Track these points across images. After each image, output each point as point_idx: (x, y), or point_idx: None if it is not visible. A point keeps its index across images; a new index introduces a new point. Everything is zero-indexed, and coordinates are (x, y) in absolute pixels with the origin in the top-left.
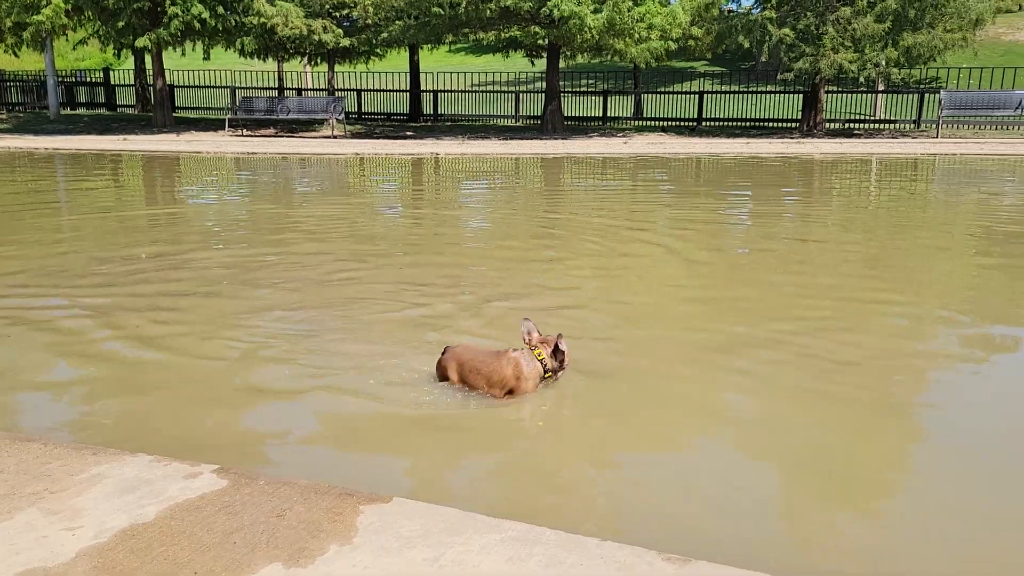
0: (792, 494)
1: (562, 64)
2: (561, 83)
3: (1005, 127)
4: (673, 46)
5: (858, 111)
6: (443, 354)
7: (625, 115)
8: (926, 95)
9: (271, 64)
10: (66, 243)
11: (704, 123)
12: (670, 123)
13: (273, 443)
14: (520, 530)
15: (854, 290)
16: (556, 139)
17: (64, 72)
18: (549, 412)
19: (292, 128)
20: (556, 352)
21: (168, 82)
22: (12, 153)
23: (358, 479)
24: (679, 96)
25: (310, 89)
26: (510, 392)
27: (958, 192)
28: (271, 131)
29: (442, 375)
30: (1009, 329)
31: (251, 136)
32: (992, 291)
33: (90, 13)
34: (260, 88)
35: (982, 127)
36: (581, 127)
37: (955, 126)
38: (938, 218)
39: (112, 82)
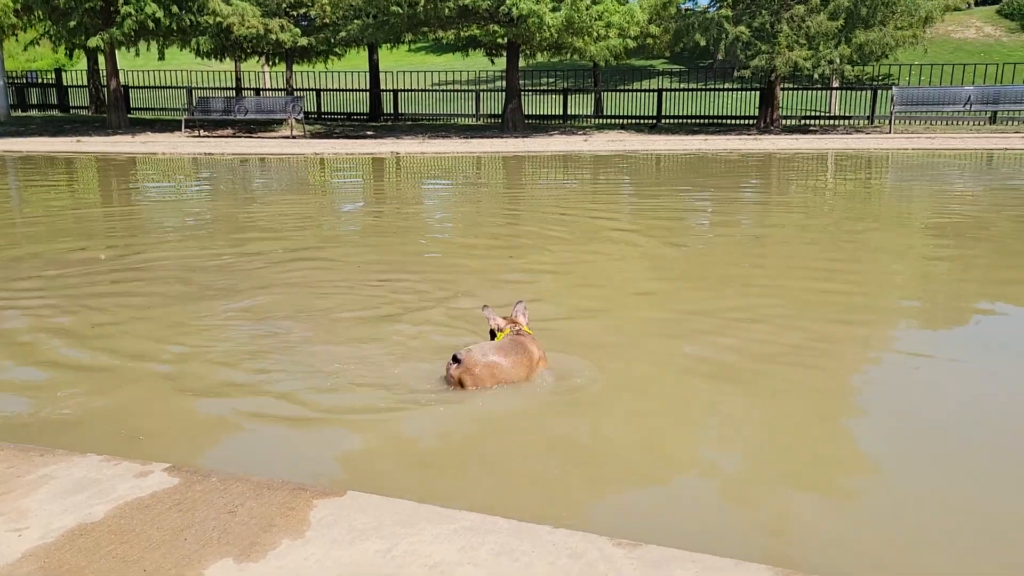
0: (748, 478)
1: (522, 63)
2: (521, 82)
3: (955, 122)
4: (632, 44)
5: (814, 107)
6: (458, 363)
7: (585, 113)
8: (879, 91)
9: (228, 64)
10: (18, 245)
11: (663, 120)
12: (630, 121)
13: (226, 441)
14: (473, 520)
15: (805, 280)
16: (517, 137)
17: (15, 73)
18: (506, 402)
19: (250, 128)
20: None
21: (122, 83)
22: None
23: (313, 474)
24: (638, 94)
25: (268, 89)
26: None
27: (911, 186)
28: (229, 132)
29: (472, 382)
30: (954, 316)
31: (208, 137)
32: (941, 281)
33: (40, 13)
34: (217, 88)
35: (933, 122)
36: (542, 125)
37: (907, 121)
38: (892, 211)
39: (65, 83)
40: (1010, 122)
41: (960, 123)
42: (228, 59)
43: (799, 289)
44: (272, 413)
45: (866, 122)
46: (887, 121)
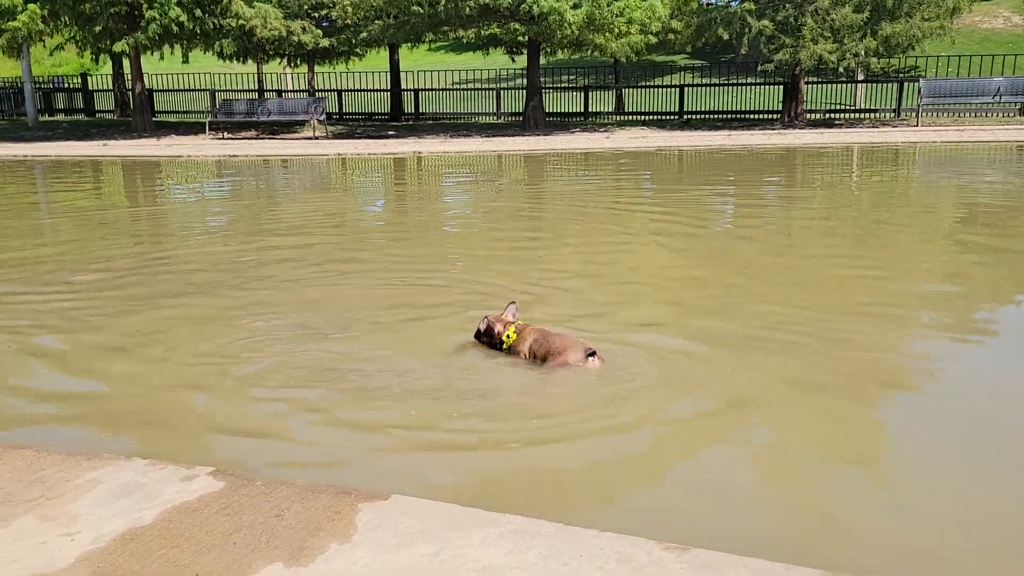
0: (791, 481)
1: (542, 60)
2: (542, 79)
3: (984, 114)
4: (653, 40)
5: (838, 101)
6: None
7: (607, 110)
8: (905, 84)
9: (250, 66)
10: (53, 246)
11: (685, 116)
12: (652, 117)
13: (268, 444)
14: (519, 523)
15: (837, 269)
16: (538, 135)
17: (41, 78)
18: (545, 405)
19: (273, 130)
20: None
21: (147, 86)
22: None
23: (355, 478)
24: (660, 90)
25: (290, 90)
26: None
27: (941, 179)
28: (252, 133)
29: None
30: (991, 312)
31: (232, 139)
32: (974, 274)
33: (67, 18)
34: (240, 90)
35: (961, 115)
36: (563, 123)
37: (935, 114)
38: (921, 205)
39: (90, 87)
40: None
41: (989, 115)
42: (251, 61)
43: (833, 276)
44: (313, 415)
45: (892, 115)
46: (914, 114)
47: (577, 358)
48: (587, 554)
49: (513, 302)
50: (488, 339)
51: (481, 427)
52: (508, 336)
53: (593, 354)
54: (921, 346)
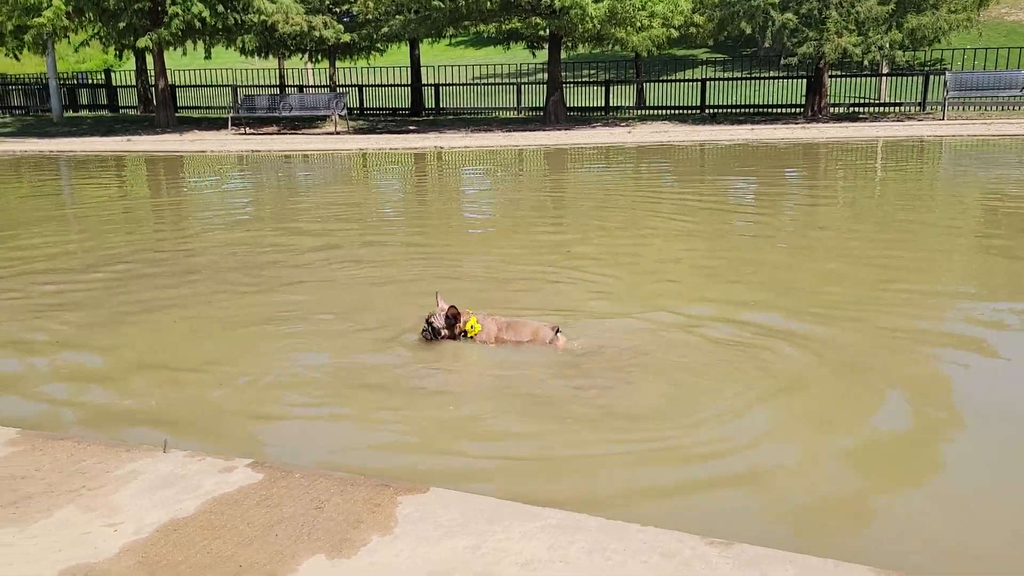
0: (837, 475)
1: (563, 55)
2: (563, 73)
3: (1011, 107)
4: (675, 34)
5: (862, 95)
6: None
7: (627, 104)
8: (931, 77)
9: (272, 62)
10: (86, 239)
11: (707, 110)
12: (673, 111)
13: (304, 437)
14: (560, 518)
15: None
16: (560, 130)
17: (66, 74)
18: (580, 398)
19: (295, 125)
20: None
21: (170, 82)
22: (18, 157)
23: (392, 471)
24: (682, 84)
25: (311, 86)
26: None
27: (968, 174)
28: (274, 129)
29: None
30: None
31: (254, 134)
32: (998, 270)
33: (91, 15)
34: (261, 86)
35: (988, 108)
36: (584, 117)
37: (960, 107)
38: (947, 199)
39: (114, 83)
40: None
41: (1016, 108)
42: (272, 57)
43: (860, 279)
44: (347, 408)
45: (917, 109)
46: (940, 107)
47: (550, 336)
48: (630, 549)
49: (437, 291)
50: (448, 332)
51: (519, 422)
52: (472, 327)
53: (558, 331)
54: (973, 334)
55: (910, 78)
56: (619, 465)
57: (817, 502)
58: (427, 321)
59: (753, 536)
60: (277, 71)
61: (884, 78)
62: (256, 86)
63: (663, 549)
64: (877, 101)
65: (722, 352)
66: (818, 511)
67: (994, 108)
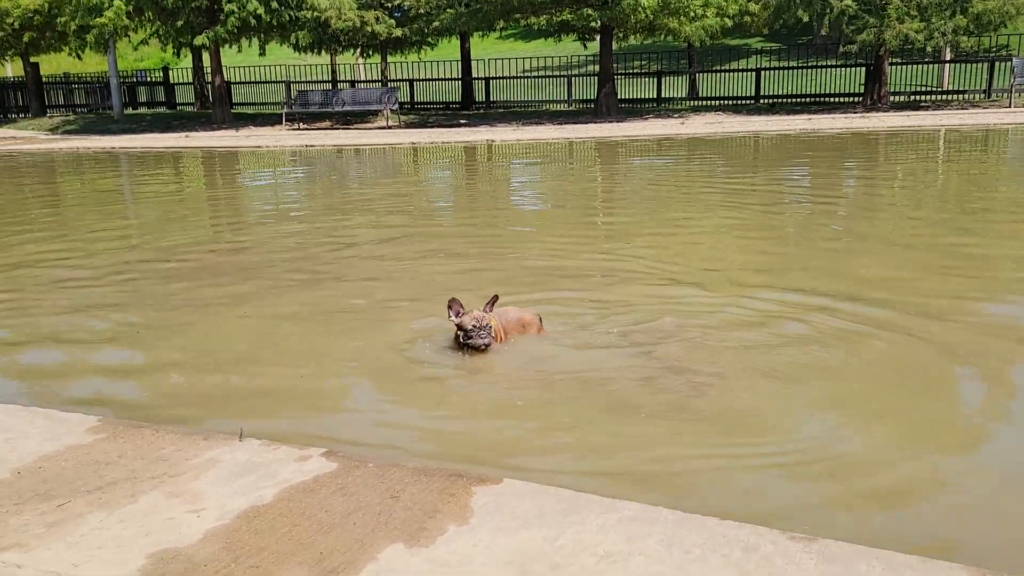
0: (922, 467)
1: (615, 46)
2: (614, 65)
3: None
4: (729, 23)
5: (924, 83)
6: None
7: (680, 96)
8: (996, 63)
9: (324, 58)
10: (147, 233)
11: (762, 100)
12: (727, 102)
13: (372, 426)
14: (635, 510)
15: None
16: (611, 122)
17: (125, 73)
18: (644, 390)
19: (347, 120)
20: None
21: (225, 79)
22: (80, 154)
23: (460, 461)
24: (735, 74)
25: (363, 81)
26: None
27: None
28: (327, 124)
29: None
30: None
31: (308, 129)
32: None
33: (150, 13)
34: (314, 82)
35: None
36: (636, 109)
37: None
38: (1017, 190)
39: (171, 81)
40: None
41: None
42: (324, 53)
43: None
44: (409, 398)
45: (982, 96)
46: (1006, 95)
47: (539, 326)
48: (710, 542)
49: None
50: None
51: (586, 413)
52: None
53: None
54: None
55: (974, 65)
56: (695, 461)
57: (904, 495)
58: (478, 328)
59: (837, 533)
60: (329, 67)
61: (947, 65)
62: (309, 82)
63: (744, 543)
64: (940, 89)
65: (791, 344)
66: (906, 505)
67: None
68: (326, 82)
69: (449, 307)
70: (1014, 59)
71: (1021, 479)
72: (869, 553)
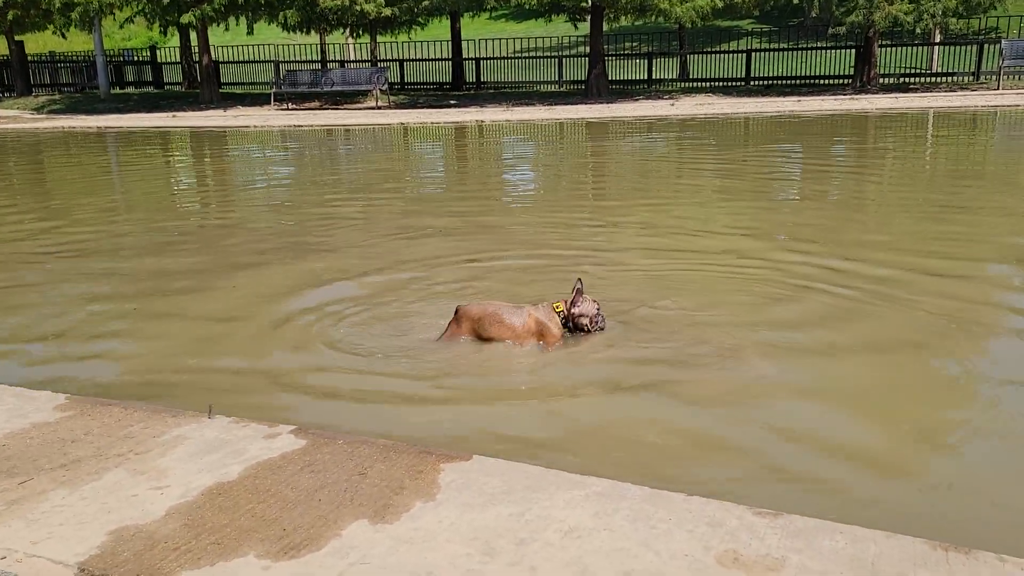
0: (892, 445)
1: (606, 27)
2: (605, 46)
3: None
4: (720, 4)
5: (913, 65)
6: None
7: (670, 77)
8: (985, 46)
9: (313, 37)
10: (132, 212)
11: (752, 82)
12: (717, 83)
13: (342, 403)
14: (604, 486)
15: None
16: (602, 103)
17: (112, 52)
18: (614, 368)
19: (336, 100)
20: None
21: (213, 58)
22: (66, 132)
23: (434, 438)
24: (725, 56)
25: (352, 61)
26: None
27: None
28: (316, 104)
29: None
30: None
31: (296, 109)
32: None
33: None
34: (303, 61)
35: None
36: (626, 90)
37: (1017, 77)
38: (1005, 172)
39: (159, 60)
40: None
41: None
42: (313, 32)
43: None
44: (389, 378)
45: (971, 79)
46: (994, 77)
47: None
48: (676, 518)
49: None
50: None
51: (556, 391)
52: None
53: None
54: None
55: (963, 47)
56: (665, 436)
57: (871, 472)
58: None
59: (801, 507)
60: (318, 46)
61: (936, 47)
62: (298, 62)
63: (710, 518)
64: (929, 71)
65: (785, 317)
66: (872, 481)
67: None
68: (315, 62)
69: (578, 293)
70: (1003, 41)
71: (996, 459)
72: (833, 528)
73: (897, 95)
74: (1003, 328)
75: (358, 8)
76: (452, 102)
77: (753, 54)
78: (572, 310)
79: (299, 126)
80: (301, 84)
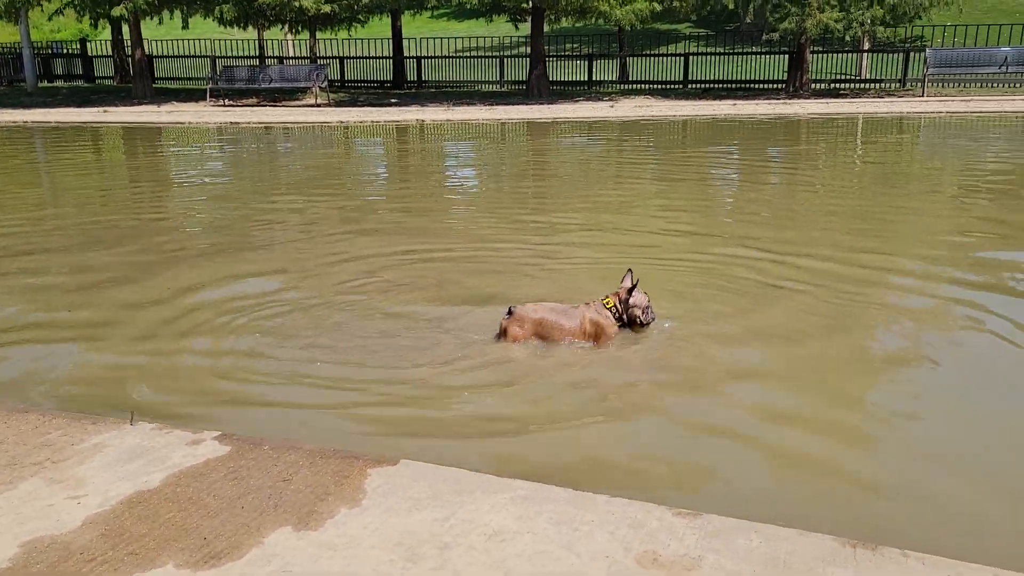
0: (808, 445)
1: (546, 28)
2: (545, 47)
3: (990, 84)
4: (658, 7)
5: (843, 71)
6: (510, 315)
7: (610, 79)
8: (911, 54)
9: (251, 32)
10: (60, 210)
11: (690, 85)
12: (656, 86)
13: (273, 410)
14: (529, 489)
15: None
16: (542, 104)
17: (40, 44)
18: (550, 370)
19: (275, 97)
20: (625, 303)
21: (147, 52)
22: None
23: (361, 443)
24: (664, 59)
25: (291, 57)
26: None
27: (947, 149)
28: (253, 101)
29: (512, 336)
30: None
31: (233, 106)
32: (975, 243)
33: None
34: (240, 57)
35: (967, 85)
36: (567, 91)
37: (940, 84)
38: (926, 174)
39: (90, 53)
40: None
41: (996, 85)
42: (251, 27)
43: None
44: (318, 382)
45: (897, 85)
46: (919, 84)
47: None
48: (598, 519)
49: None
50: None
51: (488, 395)
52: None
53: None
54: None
55: (891, 55)
56: (596, 439)
57: (788, 472)
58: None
59: (723, 508)
60: (256, 42)
61: (865, 55)
62: (235, 57)
63: (631, 519)
64: (858, 77)
65: (681, 332)
66: (788, 481)
67: (974, 85)
68: (253, 58)
69: (634, 286)
70: (927, 50)
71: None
72: (750, 527)
73: (828, 100)
74: (920, 320)
75: (296, 4)
76: (393, 101)
77: (691, 57)
78: (629, 299)
79: (236, 123)
80: (238, 80)
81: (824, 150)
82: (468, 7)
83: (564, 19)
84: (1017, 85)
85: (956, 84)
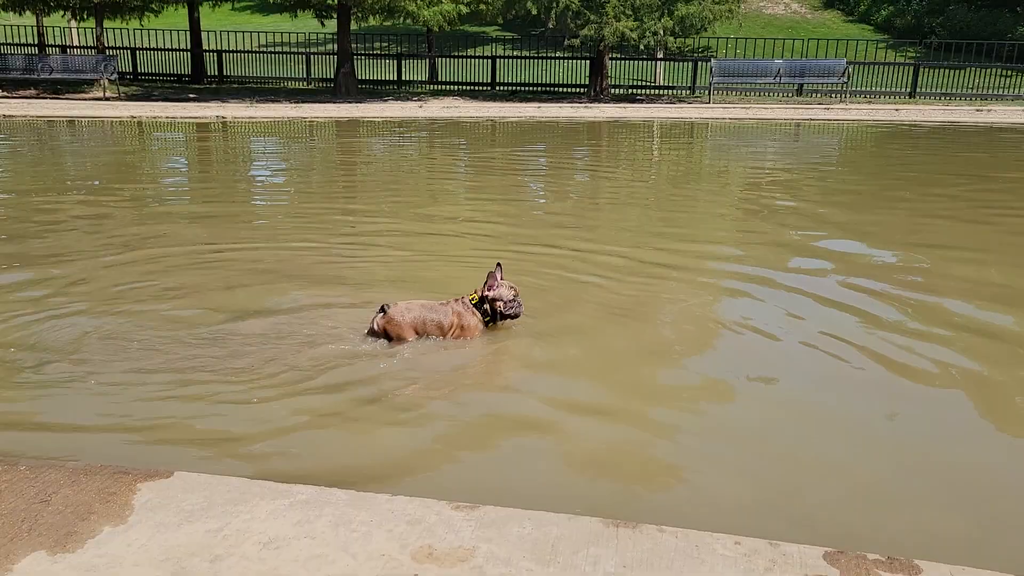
0: (590, 437)
1: (354, 26)
2: (354, 45)
3: (767, 93)
4: (465, 10)
5: (641, 78)
6: (383, 314)
7: (420, 79)
8: (699, 63)
9: (29, 18)
10: None
11: (498, 87)
12: (464, 87)
13: (34, 430)
14: (310, 493)
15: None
16: (350, 102)
17: None
18: (338, 371)
19: (57, 89)
20: (484, 297)
21: None
22: None
23: (134, 458)
24: (473, 60)
25: (76, 47)
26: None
27: (729, 151)
28: (32, 92)
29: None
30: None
31: (8, 97)
32: (756, 237)
33: None
34: (17, 44)
35: (747, 93)
36: (376, 90)
37: (724, 92)
38: (710, 174)
39: None
40: (814, 94)
41: (771, 94)
42: (28, 12)
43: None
44: (81, 397)
45: (688, 92)
46: (707, 92)
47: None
48: (377, 519)
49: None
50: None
51: (275, 402)
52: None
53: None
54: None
55: (681, 64)
56: (387, 438)
57: (559, 461)
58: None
59: (505, 499)
60: (35, 28)
61: (660, 63)
62: (11, 44)
63: (410, 516)
64: (653, 84)
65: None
66: (561, 470)
67: (753, 93)
68: (31, 45)
69: (491, 277)
70: (712, 60)
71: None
72: (523, 515)
73: (625, 105)
74: (704, 310)
75: None
76: (191, 96)
77: (498, 60)
78: (486, 293)
79: (11, 116)
80: (14, 69)
81: (622, 151)
82: (272, 1)
83: (372, 17)
84: (788, 95)
85: (738, 92)
